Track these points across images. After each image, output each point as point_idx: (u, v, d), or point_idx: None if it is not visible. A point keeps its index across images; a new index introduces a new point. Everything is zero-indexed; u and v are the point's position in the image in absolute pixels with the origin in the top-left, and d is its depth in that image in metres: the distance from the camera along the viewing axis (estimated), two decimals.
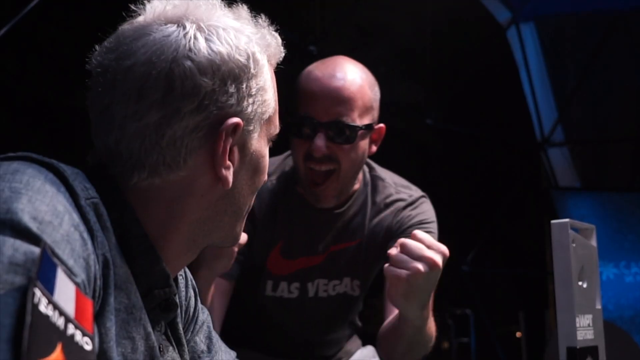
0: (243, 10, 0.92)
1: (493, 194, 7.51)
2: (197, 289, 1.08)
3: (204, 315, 1.09)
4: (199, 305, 1.08)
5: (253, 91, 0.87)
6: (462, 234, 6.95)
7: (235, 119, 0.85)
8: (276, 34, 0.94)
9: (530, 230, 7.72)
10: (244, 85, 0.85)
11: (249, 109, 0.86)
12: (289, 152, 1.71)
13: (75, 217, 0.71)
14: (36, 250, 0.62)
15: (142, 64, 0.82)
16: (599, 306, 1.71)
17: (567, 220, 1.61)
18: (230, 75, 0.84)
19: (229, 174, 0.86)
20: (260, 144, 0.91)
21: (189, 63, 0.82)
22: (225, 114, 0.84)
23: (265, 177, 0.96)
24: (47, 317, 0.58)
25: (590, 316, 1.62)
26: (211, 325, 1.10)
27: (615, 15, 5.95)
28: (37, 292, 0.58)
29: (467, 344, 6.09)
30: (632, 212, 5.91)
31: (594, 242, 1.74)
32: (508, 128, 7.53)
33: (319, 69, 1.60)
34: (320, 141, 1.55)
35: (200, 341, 1.06)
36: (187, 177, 0.84)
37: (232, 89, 0.84)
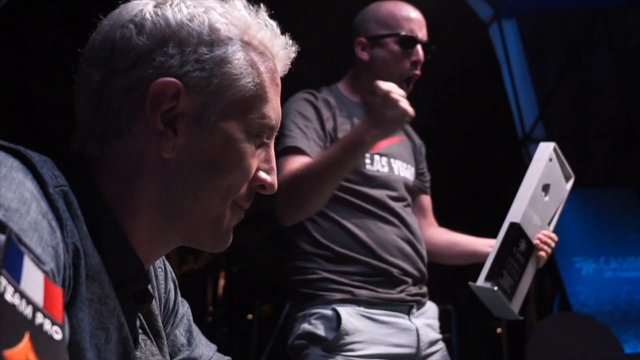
0: (239, 1, 0.90)
1: (474, 190, 7.55)
2: (176, 282, 1.07)
3: (184, 308, 1.07)
4: (179, 298, 1.07)
5: (204, 57, 0.83)
6: None
7: (169, 79, 0.82)
8: (273, 23, 0.91)
9: None
10: (190, 49, 0.83)
11: (195, 74, 0.83)
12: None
13: (44, 205, 0.70)
14: (1, 237, 0.61)
15: (99, 34, 0.86)
16: (550, 230, 1.76)
17: (553, 143, 1.79)
18: (174, 38, 0.83)
19: (166, 141, 0.83)
20: (229, 126, 0.85)
21: (131, 26, 0.84)
22: (162, 75, 0.82)
23: (249, 170, 0.87)
24: (13, 306, 0.57)
25: (540, 224, 1.76)
26: (191, 318, 1.09)
27: (596, 12, 6.00)
28: (3, 281, 0.57)
29: (449, 339, 6.11)
30: (612, 208, 5.97)
31: (568, 187, 1.88)
32: (489, 124, 7.57)
33: (398, 2, 2.03)
34: (422, 52, 2.00)
35: (180, 334, 1.05)
36: (135, 147, 0.83)
37: (173, 51, 0.82)
